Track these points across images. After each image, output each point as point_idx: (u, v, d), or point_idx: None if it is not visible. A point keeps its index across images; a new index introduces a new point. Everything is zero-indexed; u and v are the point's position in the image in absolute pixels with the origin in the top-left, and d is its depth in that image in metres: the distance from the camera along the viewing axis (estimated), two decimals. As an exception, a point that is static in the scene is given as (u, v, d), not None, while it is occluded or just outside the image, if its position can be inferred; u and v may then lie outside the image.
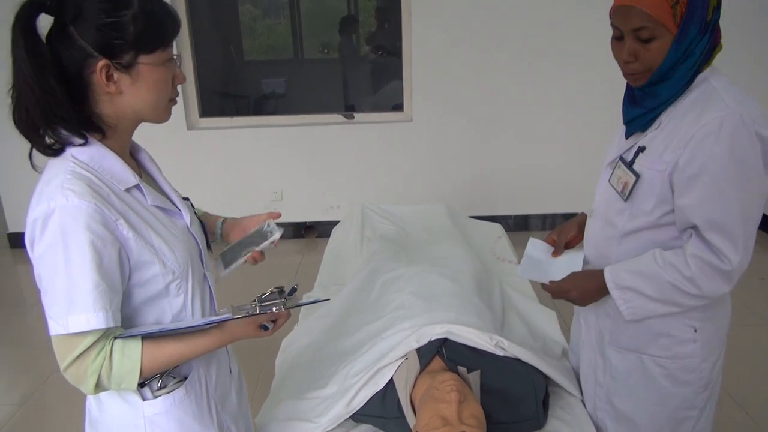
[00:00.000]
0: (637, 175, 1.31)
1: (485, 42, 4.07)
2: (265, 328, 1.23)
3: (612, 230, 1.40)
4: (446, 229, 2.72)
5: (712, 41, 1.24)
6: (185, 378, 1.18)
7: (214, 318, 1.16)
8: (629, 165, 1.34)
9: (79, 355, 1.02)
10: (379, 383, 1.55)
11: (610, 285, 1.36)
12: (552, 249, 1.69)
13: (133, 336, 1.06)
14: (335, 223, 3.14)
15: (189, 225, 1.20)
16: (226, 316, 1.15)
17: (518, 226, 4.55)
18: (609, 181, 1.43)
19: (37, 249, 1.00)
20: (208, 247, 1.31)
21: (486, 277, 2.24)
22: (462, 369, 1.51)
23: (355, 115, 4.38)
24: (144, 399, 1.14)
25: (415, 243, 2.58)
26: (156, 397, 1.15)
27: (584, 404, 1.63)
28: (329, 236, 2.98)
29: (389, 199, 3.83)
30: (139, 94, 1.07)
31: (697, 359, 1.38)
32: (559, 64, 4.12)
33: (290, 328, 2.19)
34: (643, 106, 1.32)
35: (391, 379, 1.55)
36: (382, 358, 1.60)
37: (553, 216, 4.52)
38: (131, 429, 1.15)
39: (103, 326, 1.01)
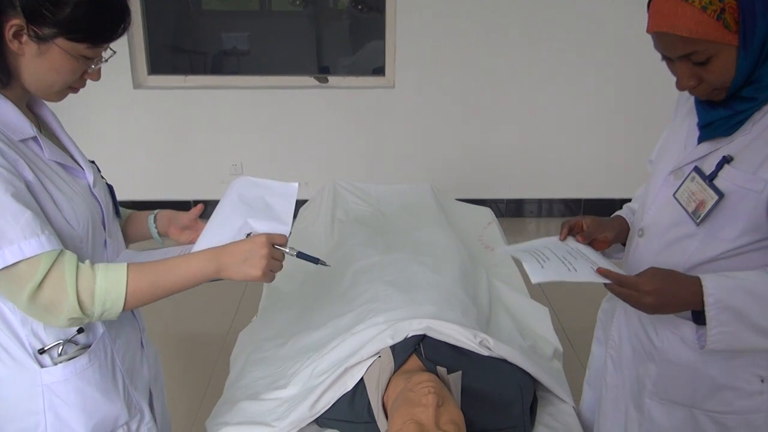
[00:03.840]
0: (720, 194, 1.18)
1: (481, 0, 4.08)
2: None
3: (675, 258, 1.29)
4: (430, 212, 2.74)
5: None
6: (89, 346, 1.25)
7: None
8: (709, 179, 1.21)
9: (42, 282, 1.08)
10: (348, 384, 1.57)
11: (709, 300, 1.18)
12: (555, 239, 1.48)
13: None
14: (303, 202, 3.14)
15: (92, 186, 1.28)
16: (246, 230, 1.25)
17: (511, 211, 4.60)
18: (675, 195, 1.30)
19: None
20: (117, 215, 1.39)
21: (472, 268, 2.27)
22: (441, 369, 1.53)
23: (330, 78, 4.36)
24: (42, 366, 1.20)
25: (393, 227, 2.60)
26: (56, 364, 1.21)
27: (575, 411, 1.67)
28: (296, 217, 2.97)
29: (365, 176, 3.84)
30: (37, 68, 1.13)
31: (762, 414, 1.29)
32: (563, 34, 4.14)
33: (248, 320, 2.20)
34: (730, 108, 1.20)
35: (362, 379, 1.56)
36: (351, 356, 1.62)
37: (550, 201, 4.58)
38: (27, 399, 1.21)
39: (47, 249, 1.08)
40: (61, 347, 1.21)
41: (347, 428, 1.58)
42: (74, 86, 1.21)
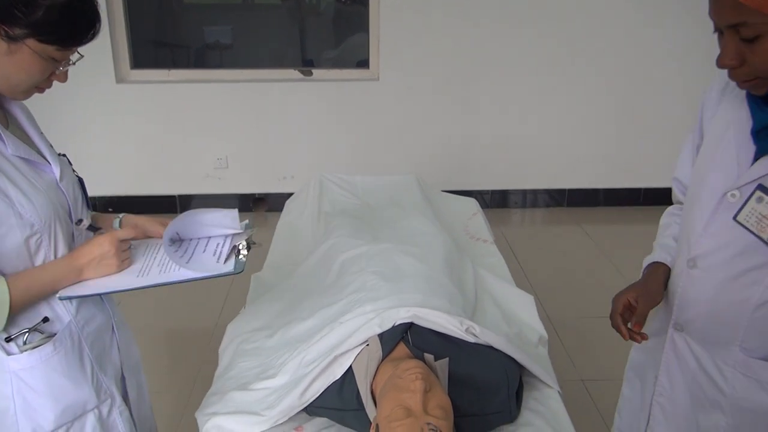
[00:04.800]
0: None
1: (464, -9, 4.09)
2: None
3: (744, 293, 1.14)
4: (415, 203, 2.76)
5: None
6: (54, 335, 1.30)
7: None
8: None
9: None
10: (337, 372, 1.59)
11: None
12: None
13: None
14: (289, 195, 3.15)
15: (59, 179, 1.31)
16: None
17: (496, 202, 4.63)
18: (736, 218, 1.13)
19: None
20: (88, 207, 1.42)
21: (458, 257, 2.29)
22: (428, 356, 1.56)
23: (314, 71, 4.36)
24: (9, 354, 1.26)
25: (379, 218, 2.62)
26: (22, 352, 1.27)
27: (560, 395, 1.70)
28: (282, 210, 2.99)
29: (351, 168, 3.85)
30: (5, 66, 1.15)
31: None
32: (550, 26, 4.17)
33: (236, 311, 2.21)
34: None
35: (350, 367, 1.58)
36: (340, 345, 1.63)
37: (535, 192, 4.62)
38: None
39: None
40: (26, 335, 1.27)
41: (336, 416, 1.60)
42: (41, 86, 1.24)
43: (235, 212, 1.51)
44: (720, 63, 1.06)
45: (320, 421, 1.61)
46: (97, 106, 4.17)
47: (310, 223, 2.72)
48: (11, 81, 1.18)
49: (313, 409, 1.60)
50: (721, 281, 1.17)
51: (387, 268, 1.99)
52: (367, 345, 1.61)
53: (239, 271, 1.39)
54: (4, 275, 1.21)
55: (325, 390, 1.58)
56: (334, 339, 1.71)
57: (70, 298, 1.31)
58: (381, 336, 1.62)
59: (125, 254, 1.36)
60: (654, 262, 1.41)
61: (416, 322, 1.65)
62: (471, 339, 1.64)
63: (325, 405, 1.59)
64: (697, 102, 1.36)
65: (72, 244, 1.34)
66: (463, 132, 4.42)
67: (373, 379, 1.55)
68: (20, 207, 1.20)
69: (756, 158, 1.12)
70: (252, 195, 4.53)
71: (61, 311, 1.33)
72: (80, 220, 1.34)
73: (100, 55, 4.05)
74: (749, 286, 1.13)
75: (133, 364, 1.56)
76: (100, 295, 1.37)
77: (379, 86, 4.28)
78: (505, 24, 4.16)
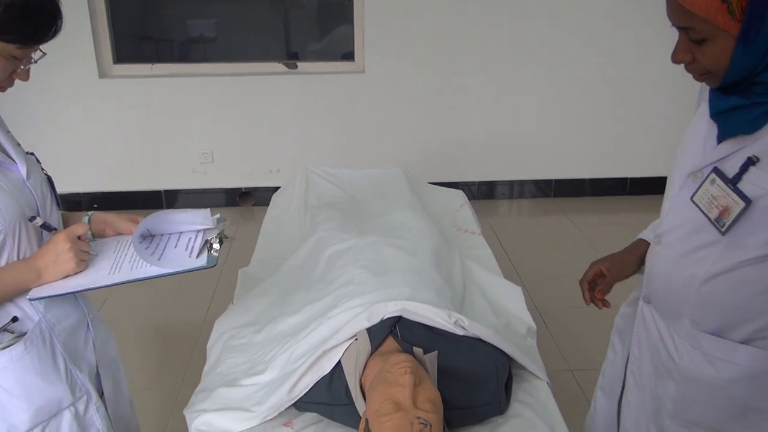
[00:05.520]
0: (748, 201, 1.07)
1: (448, -18, 4.08)
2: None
3: (694, 268, 1.20)
4: (402, 195, 2.75)
5: None
6: (24, 334, 1.30)
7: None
8: (733, 183, 1.10)
9: None
10: (326, 367, 1.58)
11: None
12: None
13: None
14: (275, 189, 3.13)
15: (25, 178, 1.30)
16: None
17: (483, 193, 4.64)
18: (692, 199, 1.19)
19: None
20: (58, 206, 1.41)
21: (446, 250, 2.29)
22: (417, 350, 1.55)
23: (299, 64, 4.34)
24: None
25: (366, 211, 2.61)
26: None
27: (549, 386, 1.71)
28: (268, 204, 2.98)
29: (337, 161, 3.84)
30: None
31: None
32: (537, 18, 4.17)
33: (223, 307, 2.20)
34: (746, 97, 1.09)
35: (339, 362, 1.58)
36: (328, 340, 1.63)
37: (522, 183, 4.63)
38: None
39: None
40: None
41: (326, 411, 1.59)
42: (2, 85, 1.23)
43: (207, 211, 1.50)
44: (673, 58, 1.14)
45: (310, 417, 1.61)
46: (80, 102, 4.12)
47: (297, 217, 2.71)
48: None
49: (302, 405, 1.60)
50: (676, 257, 1.24)
51: (374, 262, 1.98)
52: (356, 339, 1.60)
53: (212, 265, 1.38)
54: None
55: (314, 385, 1.57)
56: (323, 334, 1.70)
57: (40, 299, 1.29)
58: (369, 330, 1.61)
59: (83, 253, 1.33)
60: (639, 239, 1.50)
61: (405, 315, 1.64)
62: (460, 332, 1.64)
63: (314, 400, 1.58)
64: (682, 92, 1.40)
65: (41, 243, 1.33)
66: (449, 123, 4.42)
67: (362, 373, 1.54)
68: None
69: (719, 142, 1.18)
70: (238, 189, 4.51)
71: (29, 310, 1.32)
72: (33, 217, 1.31)
73: (82, 50, 4.01)
74: (697, 262, 1.19)
75: (108, 361, 1.54)
76: (72, 293, 1.35)
77: (364, 78, 4.27)
78: (492, 16, 4.15)
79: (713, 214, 1.14)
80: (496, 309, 2.06)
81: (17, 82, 1.25)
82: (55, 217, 1.39)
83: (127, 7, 4.34)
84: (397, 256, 2.02)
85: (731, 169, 1.12)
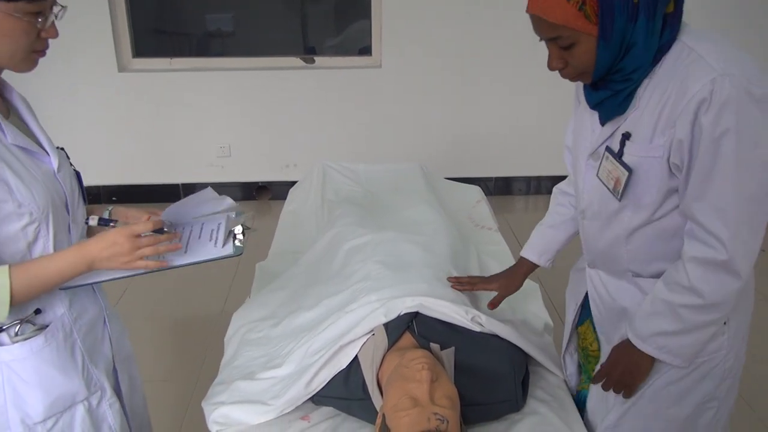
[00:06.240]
0: (630, 170, 1.28)
1: (467, -23, 4.05)
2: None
3: (616, 230, 1.39)
4: (419, 191, 2.75)
5: (658, 18, 1.19)
6: (46, 326, 1.30)
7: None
8: (618, 157, 1.31)
9: None
10: (342, 362, 1.58)
11: (635, 342, 1.36)
12: None
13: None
14: (292, 183, 3.14)
15: (56, 170, 1.30)
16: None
17: (500, 189, 4.62)
18: (598, 175, 1.39)
19: None
20: (85, 201, 1.41)
21: (462, 246, 2.29)
22: (434, 346, 1.56)
23: (316, 58, 4.34)
24: (1, 344, 1.26)
25: (383, 206, 2.61)
26: (14, 343, 1.26)
27: (567, 384, 1.70)
28: (285, 199, 2.98)
29: (354, 156, 3.83)
30: None
31: (723, 351, 1.37)
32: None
33: (240, 301, 2.21)
34: (609, 88, 1.29)
35: (356, 357, 1.58)
36: (345, 335, 1.63)
37: (539, 179, 4.60)
38: None
39: None
40: (18, 327, 1.26)
41: (342, 405, 1.60)
42: (37, 49, 1.21)
43: (216, 195, 1.50)
44: (549, 66, 1.33)
45: (326, 411, 1.61)
46: (99, 96, 4.15)
47: (314, 212, 2.72)
48: (4, 51, 1.16)
49: (319, 399, 1.61)
50: (600, 227, 1.44)
51: (392, 257, 1.98)
52: (373, 334, 1.61)
53: (238, 253, 1.39)
54: (3, 264, 1.20)
55: (331, 379, 1.58)
56: (340, 328, 1.71)
57: (68, 287, 1.29)
58: (387, 325, 1.61)
59: (140, 252, 1.27)
60: (521, 257, 1.82)
61: (422, 311, 1.64)
62: (477, 328, 1.64)
63: (331, 394, 1.59)
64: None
65: (68, 236, 1.33)
66: (466, 119, 4.40)
67: (379, 368, 1.55)
68: (19, 195, 1.19)
69: (603, 125, 1.37)
70: (255, 183, 4.52)
71: (54, 303, 1.32)
72: (87, 219, 1.34)
73: (101, 45, 4.04)
74: (617, 226, 1.38)
75: (124, 357, 1.55)
76: (103, 281, 1.35)
77: (381, 73, 4.26)
78: (510, 9, 4.11)
79: (611, 185, 1.34)
80: (513, 305, 2.05)
81: (35, 77, 1.24)
82: (81, 211, 1.39)
83: (146, 1, 4.36)
84: (414, 252, 2.02)
85: (615, 145, 1.32)
